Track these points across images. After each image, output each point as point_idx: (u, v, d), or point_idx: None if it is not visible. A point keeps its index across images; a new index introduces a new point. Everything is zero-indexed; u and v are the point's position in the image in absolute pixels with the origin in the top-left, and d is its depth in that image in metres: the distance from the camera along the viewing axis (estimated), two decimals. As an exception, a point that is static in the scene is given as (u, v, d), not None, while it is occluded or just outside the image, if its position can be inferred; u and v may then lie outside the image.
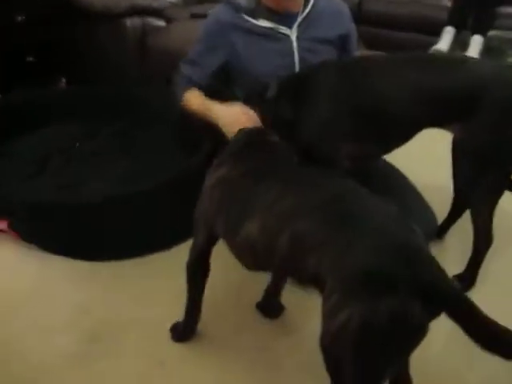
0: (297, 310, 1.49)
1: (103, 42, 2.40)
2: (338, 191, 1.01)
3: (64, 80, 2.76)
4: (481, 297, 0.98)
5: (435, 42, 3.09)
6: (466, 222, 1.55)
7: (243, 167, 1.16)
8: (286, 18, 1.68)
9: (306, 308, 1.46)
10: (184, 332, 1.38)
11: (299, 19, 1.69)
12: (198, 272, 1.30)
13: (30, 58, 2.60)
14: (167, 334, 1.40)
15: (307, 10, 1.70)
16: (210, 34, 1.72)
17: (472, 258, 1.52)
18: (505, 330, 0.81)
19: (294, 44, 1.71)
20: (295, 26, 1.69)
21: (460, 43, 3.10)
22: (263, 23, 1.67)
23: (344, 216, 0.94)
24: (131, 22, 2.33)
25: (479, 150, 1.39)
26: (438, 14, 3.20)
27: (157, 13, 2.39)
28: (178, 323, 1.39)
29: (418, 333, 0.83)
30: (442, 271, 0.84)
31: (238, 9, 1.69)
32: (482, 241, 1.48)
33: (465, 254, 1.55)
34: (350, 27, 1.81)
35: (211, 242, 1.25)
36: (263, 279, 1.44)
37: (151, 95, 2.36)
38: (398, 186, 1.63)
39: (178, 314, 1.37)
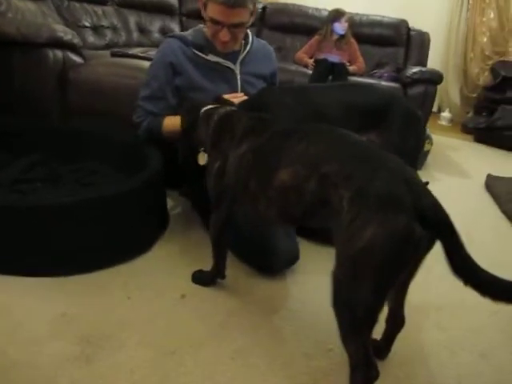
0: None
1: (19, 75, 2.28)
2: (356, 139, 1.21)
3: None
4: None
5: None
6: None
7: (266, 133, 1.31)
8: (231, 55, 1.98)
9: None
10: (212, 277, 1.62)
11: (241, 56, 1.99)
12: (223, 238, 1.54)
13: None
14: (165, 325, 1.44)
15: (247, 49, 2.01)
16: (166, 64, 1.88)
17: None
18: (480, 269, 0.98)
19: (238, 76, 1.99)
20: (238, 61, 1.98)
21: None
22: (212, 58, 1.92)
23: (365, 156, 1.12)
24: (53, 54, 2.28)
25: (390, 149, 1.85)
26: (304, 80, 3.88)
27: (76, 49, 2.39)
28: (203, 271, 1.62)
29: (416, 249, 1.02)
30: (438, 203, 1.04)
31: (186, 43, 1.91)
32: None
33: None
34: (276, 66, 2.18)
35: (234, 208, 1.44)
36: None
37: (73, 129, 2.30)
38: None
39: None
